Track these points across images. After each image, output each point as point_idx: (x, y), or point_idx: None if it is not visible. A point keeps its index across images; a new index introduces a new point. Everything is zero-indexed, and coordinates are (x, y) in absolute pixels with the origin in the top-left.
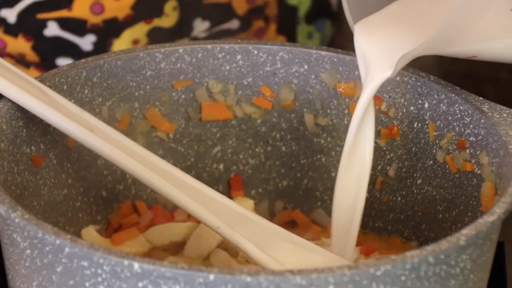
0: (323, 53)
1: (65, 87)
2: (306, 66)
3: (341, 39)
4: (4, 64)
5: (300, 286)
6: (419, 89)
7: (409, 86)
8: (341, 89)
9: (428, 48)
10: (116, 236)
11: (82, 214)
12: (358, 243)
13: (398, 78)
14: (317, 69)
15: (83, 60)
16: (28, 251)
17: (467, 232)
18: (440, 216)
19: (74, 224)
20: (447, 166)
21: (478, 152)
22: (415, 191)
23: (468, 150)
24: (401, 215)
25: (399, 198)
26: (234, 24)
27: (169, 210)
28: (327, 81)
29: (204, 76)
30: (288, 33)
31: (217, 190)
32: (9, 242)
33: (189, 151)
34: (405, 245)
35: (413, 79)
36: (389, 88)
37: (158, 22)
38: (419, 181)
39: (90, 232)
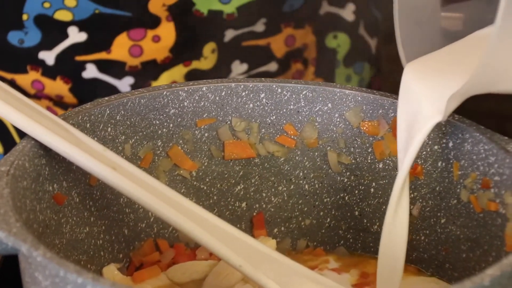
0: (347, 91)
1: (88, 125)
2: (329, 105)
3: (379, 83)
4: (27, 102)
5: None
6: (443, 128)
7: None
8: (364, 128)
9: (474, 86)
10: (137, 274)
11: (103, 252)
12: None
13: None
14: (340, 107)
15: (106, 98)
16: None
17: (492, 272)
18: (464, 255)
19: (96, 262)
20: (471, 206)
21: (503, 192)
22: (439, 230)
23: (492, 190)
24: (424, 254)
25: (422, 237)
26: (272, 66)
27: (191, 248)
28: (350, 120)
29: (228, 114)
30: (327, 76)
31: (240, 228)
32: (30, 281)
33: (211, 189)
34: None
35: None
36: None
37: (197, 64)
38: (443, 221)
39: (112, 270)
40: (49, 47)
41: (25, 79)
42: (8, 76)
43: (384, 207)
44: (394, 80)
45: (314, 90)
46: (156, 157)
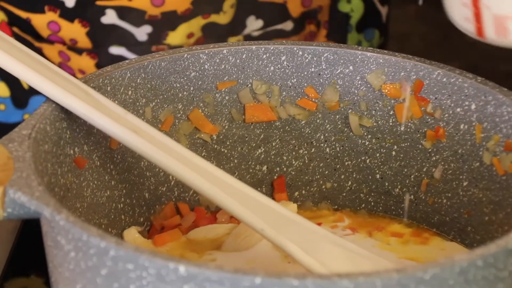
0: (369, 54)
1: (108, 88)
2: (351, 67)
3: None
4: (48, 65)
5: None
6: (466, 91)
7: (455, 88)
8: (386, 91)
9: None
10: (158, 237)
11: (124, 216)
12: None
13: (445, 79)
14: (362, 70)
15: (126, 61)
16: (73, 254)
17: None
18: (487, 218)
19: (117, 226)
20: (494, 168)
21: None
22: (461, 193)
23: None
24: (446, 217)
25: (444, 200)
26: (287, 25)
27: (211, 211)
28: (372, 82)
29: (248, 77)
30: (338, 40)
31: (261, 192)
32: (53, 245)
33: (232, 153)
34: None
35: (459, 80)
36: (435, 89)
37: (215, 18)
38: (465, 183)
39: (132, 233)
40: None
41: (42, 19)
42: (24, 15)
43: (405, 170)
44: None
45: (335, 53)
46: (176, 121)
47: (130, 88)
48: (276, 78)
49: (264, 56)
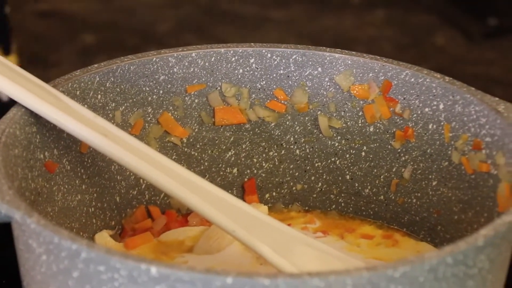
0: (337, 55)
1: (78, 92)
2: (320, 69)
3: None
4: (16, 70)
5: None
6: (434, 91)
7: (423, 88)
8: (355, 92)
9: None
10: (130, 241)
11: (96, 220)
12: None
13: (413, 80)
14: (331, 71)
15: (95, 65)
16: (44, 257)
17: (485, 232)
18: (456, 217)
19: (88, 230)
20: (462, 167)
21: (494, 153)
22: (431, 192)
23: (484, 151)
24: (416, 216)
25: (414, 200)
26: None
27: (182, 214)
28: (341, 84)
29: (217, 80)
30: None
31: (231, 194)
32: (24, 248)
33: (202, 156)
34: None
35: (427, 80)
36: (403, 89)
37: None
38: (434, 183)
39: (104, 237)
40: None
41: None
42: None
43: (375, 170)
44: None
45: (304, 55)
46: (146, 124)
47: (99, 92)
48: (245, 81)
49: (233, 59)
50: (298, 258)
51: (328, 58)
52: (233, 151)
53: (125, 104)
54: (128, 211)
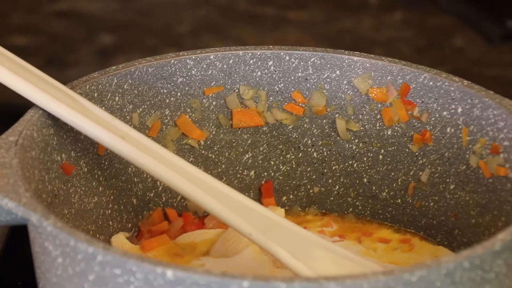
0: (356, 58)
1: (95, 94)
2: (338, 72)
3: None
4: (35, 72)
5: None
6: (452, 94)
7: (442, 91)
8: (373, 95)
9: None
10: (146, 243)
11: (112, 222)
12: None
13: (431, 83)
14: (349, 74)
15: (113, 67)
16: (60, 260)
17: (502, 237)
18: (473, 221)
19: (105, 232)
20: (480, 171)
21: None
22: (448, 196)
23: (502, 155)
24: (433, 220)
25: (431, 204)
26: None
27: (199, 217)
28: (359, 87)
29: (235, 82)
30: None
31: (248, 196)
32: (40, 251)
33: (220, 158)
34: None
35: (446, 84)
36: (422, 93)
37: None
38: (452, 186)
39: (120, 239)
40: None
41: None
42: None
43: (392, 173)
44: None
45: (322, 57)
46: (164, 126)
47: (117, 94)
48: (263, 83)
49: (251, 61)
50: (315, 261)
51: (346, 61)
52: (251, 154)
53: (143, 106)
54: (145, 213)
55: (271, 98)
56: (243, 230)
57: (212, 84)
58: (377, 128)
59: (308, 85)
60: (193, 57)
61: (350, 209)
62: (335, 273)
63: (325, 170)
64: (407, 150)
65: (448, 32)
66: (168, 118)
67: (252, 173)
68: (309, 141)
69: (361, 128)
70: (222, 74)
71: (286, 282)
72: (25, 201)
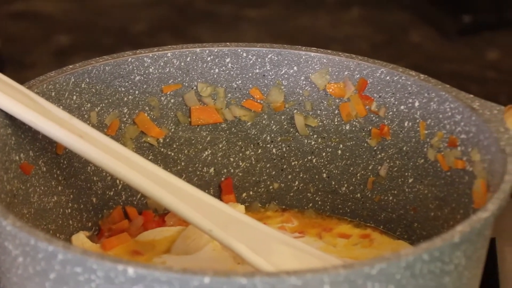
0: (313, 54)
1: (53, 93)
2: (295, 68)
3: None
4: None
5: (295, 287)
6: (409, 88)
7: (399, 85)
8: (331, 90)
9: None
10: (107, 242)
11: (72, 221)
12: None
13: (388, 78)
14: (306, 70)
15: (70, 66)
16: (20, 259)
17: (461, 229)
18: (432, 214)
19: (65, 231)
20: (438, 164)
21: (469, 150)
22: (407, 190)
23: (459, 148)
24: (393, 214)
25: (390, 198)
26: None
27: (159, 215)
28: (317, 82)
29: (193, 79)
30: None
31: (208, 193)
32: (0, 251)
33: (179, 155)
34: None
35: (403, 78)
36: (379, 87)
37: None
38: (410, 180)
39: (81, 238)
40: None
41: None
42: None
43: (351, 168)
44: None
45: (279, 54)
46: (122, 125)
47: (74, 93)
48: (221, 80)
49: (209, 59)
50: (276, 256)
51: (303, 57)
52: (210, 151)
53: (101, 105)
54: (104, 212)
55: (229, 95)
56: (203, 227)
57: (170, 82)
58: (336, 123)
59: (266, 81)
60: (150, 55)
61: (310, 205)
62: (296, 268)
63: (285, 166)
64: (365, 144)
65: (404, 28)
66: (127, 117)
67: (211, 170)
68: (268, 137)
69: (320, 123)
70: (180, 72)
71: (247, 277)
72: None
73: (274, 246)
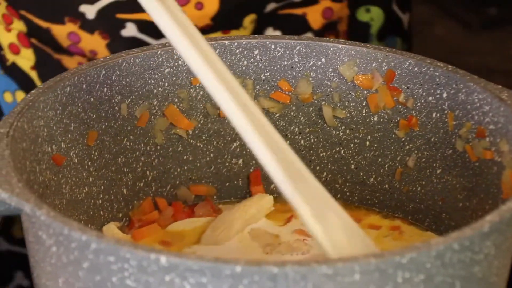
0: (340, 46)
1: (84, 86)
2: (323, 60)
3: None
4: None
5: (326, 276)
6: (437, 79)
7: (427, 77)
8: (359, 81)
9: None
10: (137, 232)
11: (103, 212)
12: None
13: (416, 69)
14: (334, 62)
15: (101, 59)
16: (54, 249)
17: (490, 219)
18: (461, 204)
19: (96, 222)
20: (467, 155)
21: (498, 140)
22: (435, 180)
23: (487, 139)
24: (421, 204)
25: (419, 188)
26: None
27: (189, 206)
28: (344, 74)
29: None
30: None
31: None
32: (34, 240)
33: (208, 147)
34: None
35: (431, 69)
36: (407, 79)
37: (235, 33)
38: (438, 171)
39: (111, 228)
40: (91, 1)
41: (62, 30)
42: (44, 24)
43: (380, 159)
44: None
45: (307, 46)
46: (152, 117)
47: (105, 85)
48: (250, 72)
49: (237, 51)
50: (329, 226)
51: (331, 49)
52: (239, 142)
53: (131, 97)
54: (135, 203)
55: (258, 86)
56: (276, 175)
57: None
58: (364, 114)
59: (294, 73)
60: None
61: (338, 196)
62: (345, 241)
63: (313, 157)
64: (393, 135)
65: (428, 21)
66: (156, 109)
67: (240, 161)
68: (296, 129)
69: (348, 115)
70: None
71: (278, 266)
72: (18, 192)
73: (329, 214)
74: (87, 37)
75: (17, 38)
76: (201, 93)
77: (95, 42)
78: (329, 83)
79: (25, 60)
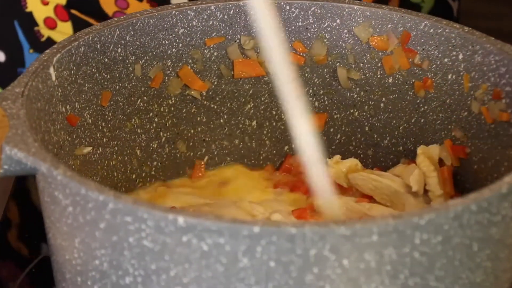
0: (356, 7)
1: (98, 46)
2: (338, 21)
3: None
4: None
5: (344, 237)
6: (453, 41)
7: (443, 38)
8: (374, 43)
9: None
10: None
11: (116, 173)
12: None
13: (432, 30)
14: (349, 23)
15: (115, 19)
16: (70, 208)
17: (509, 180)
18: (476, 167)
19: (109, 183)
20: (482, 117)
21: None
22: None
23: (504, 100)
24: None
25: None
26: None
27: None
28: (359, 35)
29: (236, 32)
30: None
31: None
32: (50, 200)
33: (222, 108)
34: None
35: (447, 30)
36: (422, 40)
37: None
38: (453, 133)
39: None
40: None
41: None
42: None
43: (394, 121)
44: None
45: (322, 7)
46: (166, 77)
47: (119, 45)
48: None
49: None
50: None
51: (346, 10)
52: (252, 104)
53: (145, 58)
54: (148, 164)
55: None
56: None
57: (213, 35)
58: (378, 76)
59: (308, 34)
60: (194, 8)
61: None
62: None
63: (327, 119)
64: (408, 97)
65: None
66: (170, 69)
67: (254, 123)
68: (311, 90)
69: (362, 76)
70: (223, 25)
71: (296, 227)
72: (34, 151)
73: None
74: (135, 4)
75: (54, 11)
76: (215, 54)
77: (142, 9)
78: (343, 45)
79: (62, 34)
